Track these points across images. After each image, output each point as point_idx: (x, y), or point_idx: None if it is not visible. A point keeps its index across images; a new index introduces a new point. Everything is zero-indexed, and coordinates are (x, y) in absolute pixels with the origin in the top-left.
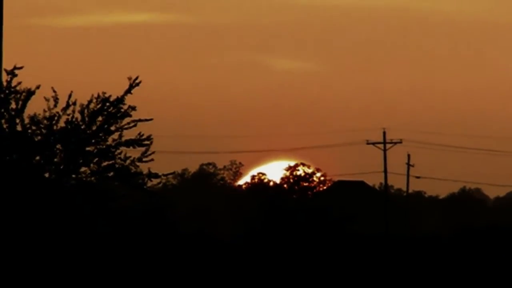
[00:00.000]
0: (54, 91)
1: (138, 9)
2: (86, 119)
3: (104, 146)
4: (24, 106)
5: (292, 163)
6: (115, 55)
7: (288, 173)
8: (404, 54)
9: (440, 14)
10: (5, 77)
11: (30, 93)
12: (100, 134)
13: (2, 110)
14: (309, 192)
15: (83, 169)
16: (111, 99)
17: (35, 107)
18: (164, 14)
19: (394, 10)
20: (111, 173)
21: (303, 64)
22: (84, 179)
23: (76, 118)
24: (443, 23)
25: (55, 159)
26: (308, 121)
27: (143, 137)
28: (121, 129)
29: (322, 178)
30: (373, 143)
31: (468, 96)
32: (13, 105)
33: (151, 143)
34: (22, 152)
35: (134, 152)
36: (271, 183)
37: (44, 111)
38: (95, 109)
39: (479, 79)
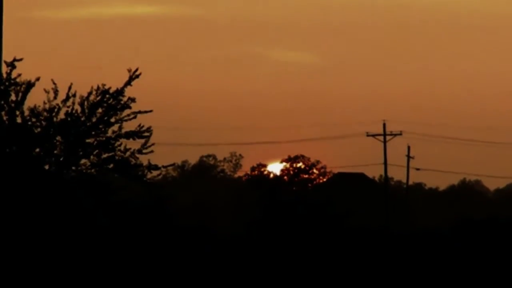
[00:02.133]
0: (54, 83)
1: (138, 1)
2: (86, 111)
3: (104, 138)
4: (24, 98)
5: (292, 155)
6: (115, 47)
7: (288, 165)
8: (404, 47)
9: (441, 7)
10: (4, 69)
11: (30, 85)
12: (100, 126)
13: (2, 102)
14: (309, 184)
15: (83, 161)
16: (111, 91)
17: (35, 99)
18: (164, 6)
19: (395, 3)
20: (111, 165)
21: (304, 56)
22: (84, 171)
23: (76, 110)
24: (443, 16)
25: (55, 151)
26: (308, 113)
27: (143, 128)
28: (121, 121)
29: (322, 170)
30: (373, 135)
31: (468, 87)
32: (13, 97)
33: (151, 134)
34: (22, 144)
35: (134, 144)
36: (271, 175)
37: (44, 103)
38: (95, 101)
39: (479, 71)
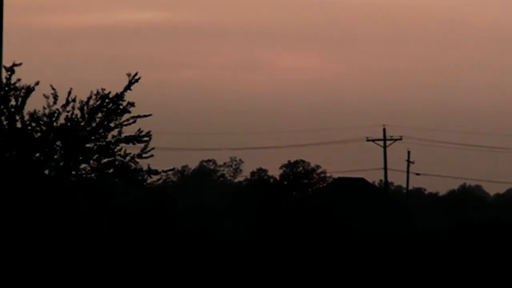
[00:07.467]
0: (53, 88)
1: (139, 7)
2: (86, 115)
3: (103, 143)
4: (23, 103)
5: (292, 160)
6: (115, 51)
7: (288, 170)
8: (404, 52)
9: (443, 13)
10: (4, 74)
11: (29, 90)
12: (100, 131)
13: (2, 107)
14: (309, 189)
15: (82, 166)
16: (111, 96)
17: (35, 104)
18: (164, 12)
19: (396, 7)
20: (111, 170)
21: (304, 61)
22: (84, 176)
23: (76, 115)
24: (444, 21)
25: (55, 156)
26: (308, 118)
27: (143, 133)
28: (120, 125)
29: (322, 175)
30: (373, 140)
31: (468, 93)
32: (13, 102)
33: (151, 139)
34: (22, 149)
35: (133, 149)
36: (271, 180)
37: (44, 108)
38: (95, 105)
39: (480, 76)
